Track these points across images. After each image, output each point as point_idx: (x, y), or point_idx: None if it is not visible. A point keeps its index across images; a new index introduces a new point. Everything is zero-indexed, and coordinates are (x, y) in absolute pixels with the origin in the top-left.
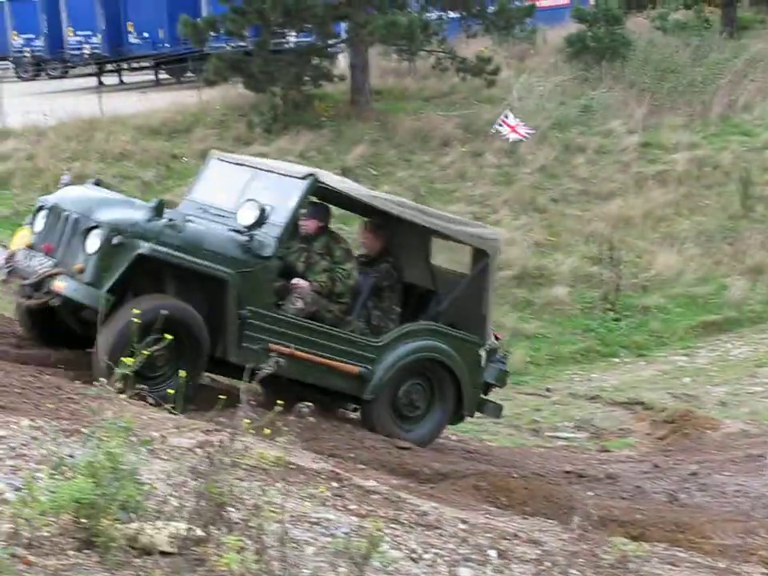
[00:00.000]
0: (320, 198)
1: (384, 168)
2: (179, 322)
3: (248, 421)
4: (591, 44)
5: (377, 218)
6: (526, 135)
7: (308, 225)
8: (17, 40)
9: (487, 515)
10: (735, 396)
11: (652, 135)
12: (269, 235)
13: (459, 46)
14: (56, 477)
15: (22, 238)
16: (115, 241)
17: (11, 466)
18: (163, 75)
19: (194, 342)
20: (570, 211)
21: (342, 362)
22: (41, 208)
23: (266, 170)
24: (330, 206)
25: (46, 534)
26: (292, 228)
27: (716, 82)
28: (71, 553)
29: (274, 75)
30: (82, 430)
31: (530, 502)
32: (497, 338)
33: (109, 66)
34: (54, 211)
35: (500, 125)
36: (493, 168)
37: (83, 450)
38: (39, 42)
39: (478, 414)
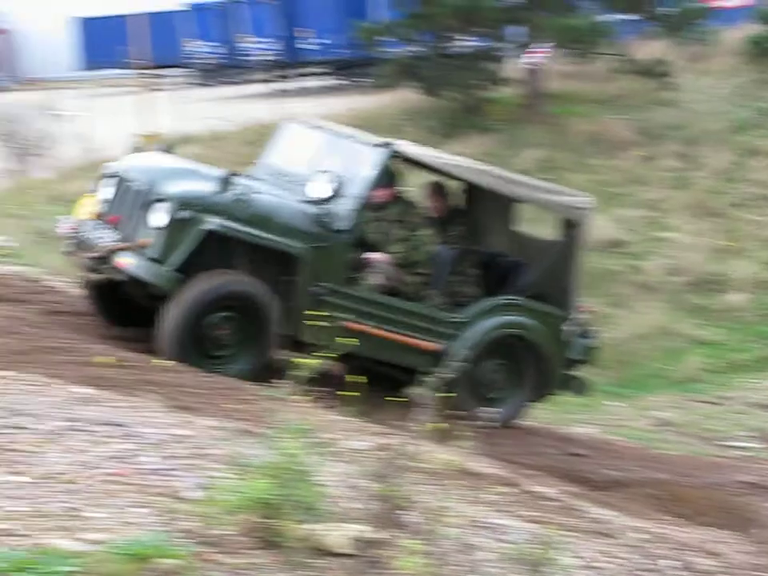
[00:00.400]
0: (398, 167)
1: (557, 172)
2: (247, 299)
3: (423, 425)
4: None
5: (440, 180)
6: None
7: (380, 194)
8: (200, 48)
9: (665, 525)
10: None
11: None
12: (344, 207)
13: (634, 49)
14: (238, 477)
15: (86, 206)
16: (182, 215)
17: (195, 465)
18: (340, 80)
19: (262, 320)
20: (748, 216)
21: (419, 338)
22: (107, 175)
23: (341, 137)
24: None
25: (227, 532)
26: (367, 200)
27: None
28: (252, 552)
29: (448, 79)
30: (262, 430)
31: (708, 512)
32: (582, 312)
33: (286, 72)
34: (121, 180)
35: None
36: (668, 172)
37: (264, 451)
38: (220, 49)
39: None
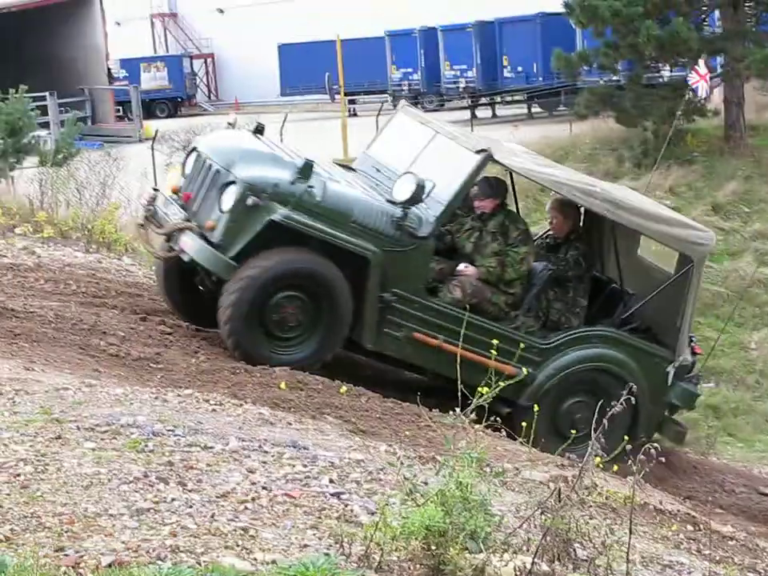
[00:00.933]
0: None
1: (757, 205)
2: (317, 279)
3: (599, 459)
4: None
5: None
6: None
7: (484, 205)
8: (396, 74)
9: None
10: None
11: None
12: (429, 212)
13: None
14: (408, 503)
15: (172, 179)
16: (250, 201)
17: (367, 490)
18: (536, 109)
19: (333, 305)
20: None
21: (501, 361)
22: (193, 149)
23: (445, 136)
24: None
25: (395, 558)
26: (456, 207)
27: None
28: None
29: (646, 109)
30: (437, 458)
31: None
32: (694, 353)
33: (483, 100)
34: (200, 157)
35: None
36: None
37: (436, 478)
38: (417, 76)
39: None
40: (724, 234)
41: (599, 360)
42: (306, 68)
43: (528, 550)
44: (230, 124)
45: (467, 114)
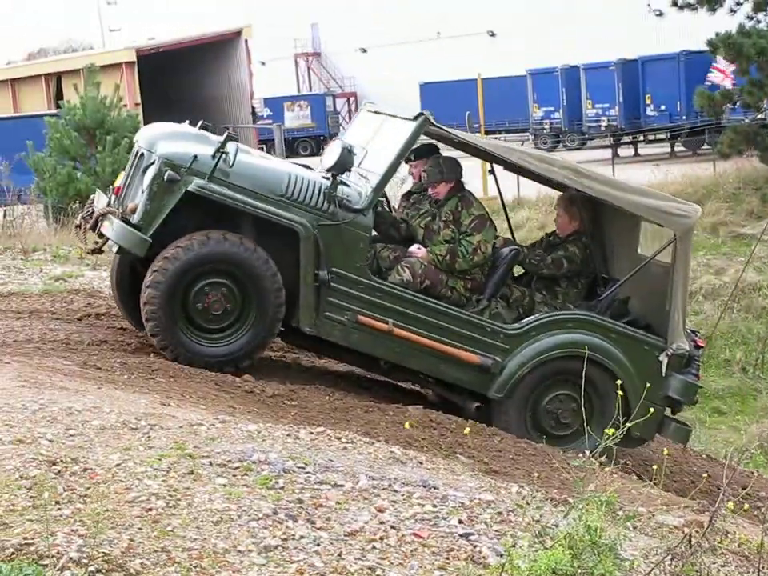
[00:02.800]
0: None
1: None
2: (239, 264)
3: (731, 504)
4: None
5: (571, 192)
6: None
7: (437, 191)
8: (537, 113)
9: None
10: None
11: None
12: (367, 186)
13: None
14: (537, 545)
15: (117, 180)
16: (167, 176)
17: (496, 531)
18: (679, 147)
19: (261, 291)
20: None
21: (459, 348)
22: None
23: (392, 116)
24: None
25: None
26: (392, 176)
27: None
28: None
29: None
30: (569, 500)
31: None
32: (697, 346)
33: (625, 138)
34: (133, 149)
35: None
36: None
37: (566, 520)
38: (558, 114)
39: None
40: None
41: (577, 346)
42: (447, 107)
43: None
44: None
45: (609, 152)
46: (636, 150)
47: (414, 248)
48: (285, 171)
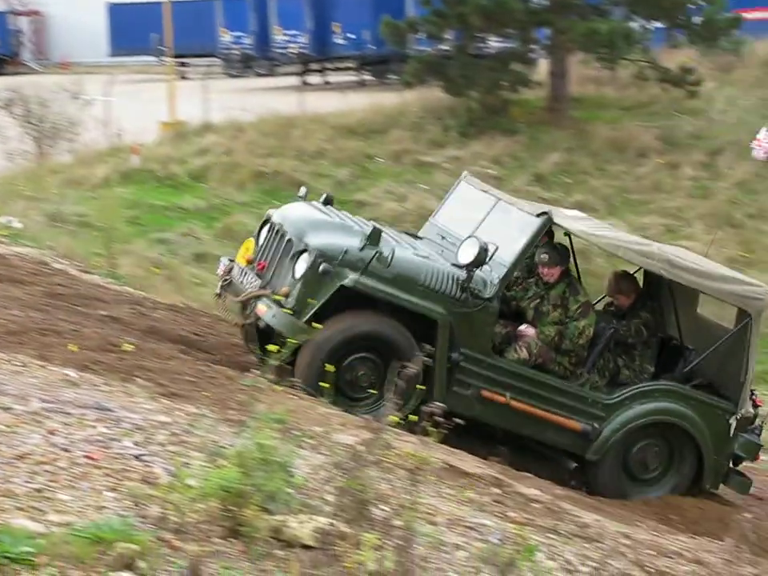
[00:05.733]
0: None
1: (578, 176)
2: (386, 341)
3: (394, 417)
4: None
5: (621, 271)
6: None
7: (551, 273)
8: (226, 37)
9: (653, 532)
10: None
11: None
12: (493, 274)
13: (662, 56)
14: (208, 465)
15: (245, 250)
16: (322, 268)
17: (171, 452)
18: (366, 76)
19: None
20: (766, 228)
21: (564, 416)
22: (266, 221)
23: (506, 201)
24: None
25: (193, 519)
26: (518, 269)
27: None
28: (216, 540)
29: (473, 79)
30: (245, 420)
31: (701, 522)
32: (755, 405)
33: (314, 66)
34: (273, 228)
35: (756, 146)
36: (689, 181)
37: (238, 439)
38: (248, 40)
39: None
40: (546, 203)
41: (662, 413)
42: (135, 29)
43: (327, 512)
44: (300, 197)
45: (299, 80)
46: (325, 78)
47: (523, 327)
48: (423, 263)
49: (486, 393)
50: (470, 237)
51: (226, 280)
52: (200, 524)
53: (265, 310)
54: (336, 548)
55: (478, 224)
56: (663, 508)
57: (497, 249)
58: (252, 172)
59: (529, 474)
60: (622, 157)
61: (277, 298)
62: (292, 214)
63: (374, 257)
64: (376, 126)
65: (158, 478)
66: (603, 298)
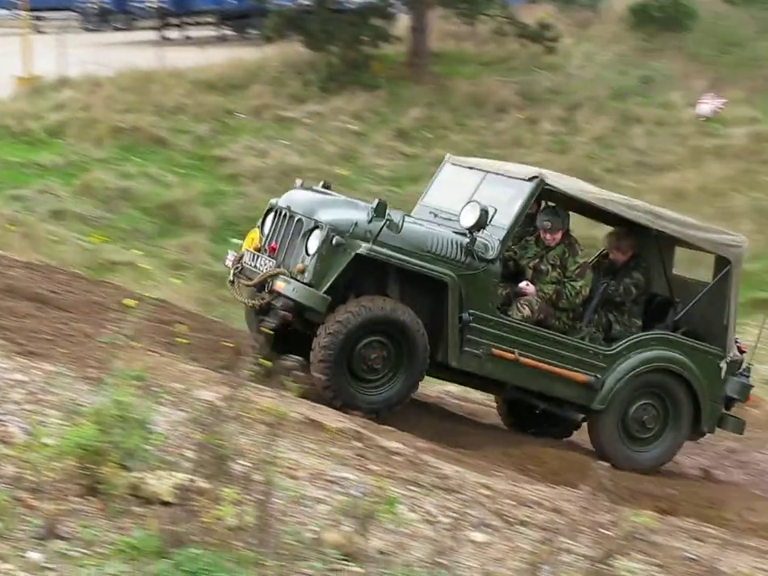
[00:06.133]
0: (549, 199)
1: (438, 131)
2: (395, 325)
3: (251, 372)
4: (655, 14)
5: (622, 228)
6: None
7: (553, 237)
8: None
9: (512, 482)
10: None
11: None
12: (493, 237)
13: (520, 12)
14: (66, 423)
15: (251, 240)
16: (335, 241)
17: (26, 411)
18: (227, 31)
19: (411, 346)
20: (623, 182)
21: (569, 369)
22: (270, 210)
23: (494, 173)
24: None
25: (49, 478)
26: (515, 231)
27: None
28: (73, 498)
29: (333, 34)
30: (100, 377)
31: (561, 472)
32: (741, 351)
33: (173, 20)
34: (280, 212)
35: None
36: (548, 136)
37: (96, 397)
38: None
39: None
40: (407, 158)
41: (660, 360)
42: None
43: (186, 467)
44: (296, 188)
45: (157, 35)
46: (184, 33)
47: (523, 284)
48: (428, 230)
49: (495, 351)
50: (470, 201)
51: (237, 267)
52: (57, 482)
53: (283, 286)
54: (195, 504)
55: (469, 197)
56: (523, 459)
57: (495, 211)
58: (110, 128)
59: (391, 428)
60: (481, 112)
61: (294, 275)
62: (298, 197)
63: (383, 226)
64: (236, 81)
65: (13, 437)
66: (602, 252)
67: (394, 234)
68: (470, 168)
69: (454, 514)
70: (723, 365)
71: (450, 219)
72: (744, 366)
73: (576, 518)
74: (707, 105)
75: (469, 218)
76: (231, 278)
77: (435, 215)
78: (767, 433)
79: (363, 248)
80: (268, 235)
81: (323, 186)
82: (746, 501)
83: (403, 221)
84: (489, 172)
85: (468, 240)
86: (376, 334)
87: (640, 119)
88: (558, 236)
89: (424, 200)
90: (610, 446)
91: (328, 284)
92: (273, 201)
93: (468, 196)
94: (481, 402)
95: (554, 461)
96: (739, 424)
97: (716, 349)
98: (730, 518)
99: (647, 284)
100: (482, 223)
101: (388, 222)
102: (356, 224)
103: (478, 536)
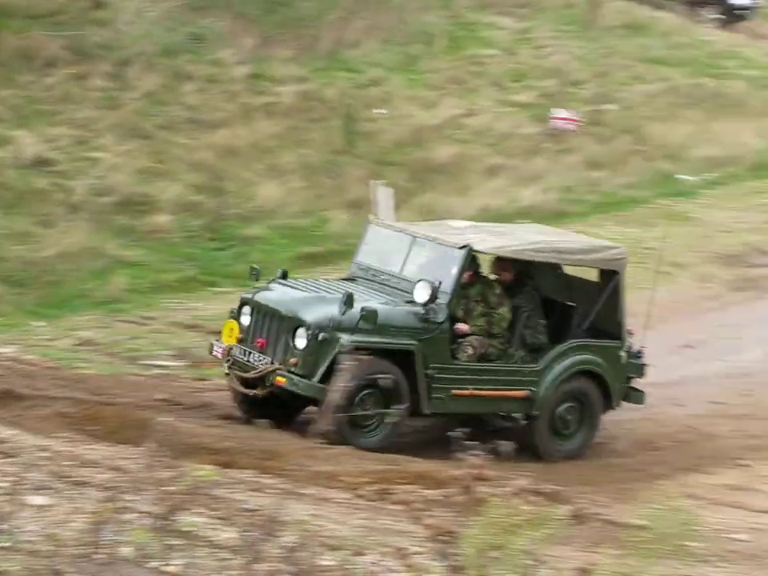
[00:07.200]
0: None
1: None
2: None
3: None
4: None
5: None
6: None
7: (467, 277)
8: None
9: (70, 443)
10: None
11: (261, 67)
12: (439, 302)
13: None
14: None
15: (231, 331)
16: (320, 337)
17: None
18: None
19: (396, 395)
20: (176, 139)
21: (511, 390)
22: (244, 304)
23: (423, 238)
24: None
25: None
26: (456, 294)
27: (325, 17)
28: None
29: None
30: None
31: (120, 430)
32: (629, 333)
33: None
34: (260, 309)
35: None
36: (98, 92)
37: None
38: None
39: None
40: None
41: (578, 364)
42: None
43: None
44: (254, 275)
45: None
46: None
47: (458, 326)
48: (390, 310)
49: (455, 392)
50: (421, 280)
51: (229, 359)
52: None
53: (284, 381)
54: None
55: (403, 260)
56: (81, 420)
57: (440, 283)
58: None
59: None
60: (30, 66)
61: (287, 368)
62: (274, 295)
63: (360, 319)
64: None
65: None
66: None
67: (370, 323)
68: (397, 231)
69: (12, 478)
70: (623, 353)
71: (388, 279)
72: (637, 348)
73: (137, 476)
74: (561, 121)
75: (423, 295)
76: (227, 371)
77: (373, 275)
78: None
79: (348, 340)
80: (250, 330)
81: (283, 275)
82: (305, 450)
83: (370, 309)
84: (416, 237)
85: (423, 311)
86: (370, 388)
87: (191, 76)
88: (467, 274)
89: (357, 259)
90: (544, 443)
91: (320, 374)
92: (246, 295)
93: (402, 258)
94: None
95: (113, 420)
96: (640, 396)
97: (616, 342)
98: (289, 468)
99: (539, 293)
100: (434, 298)
101: (364, 314)
102: (333, 319)
103: (39, 499)
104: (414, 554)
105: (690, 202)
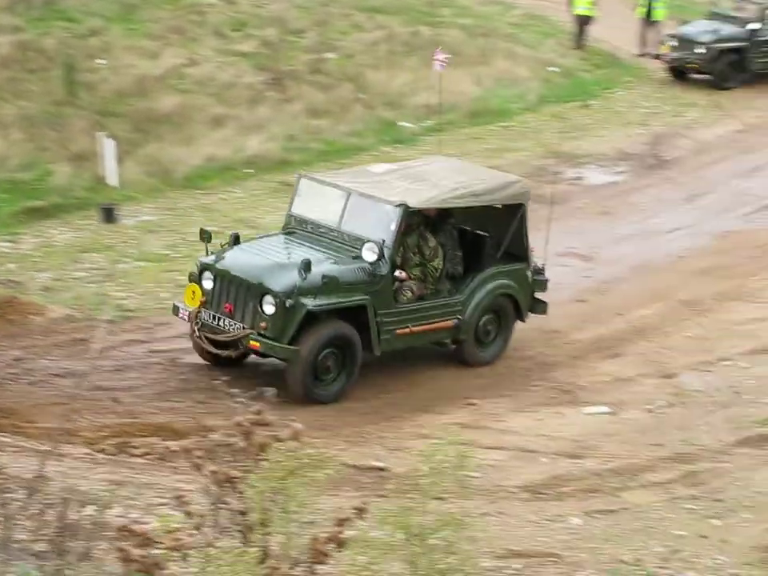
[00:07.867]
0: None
1: None
2: (345, 339)
3: None
4: None
5: None
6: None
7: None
8: None
9: None
10: (60, 281)
11: None
12: (384, 257)
13: None
14: None
15: (193, 294)
16: (288, 304)
17: None
18: None
19: (353, 352)
20: None
21: (443, 321)
22: (205, 269)
23: (359, 194)
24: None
25: None
26: (397, 248)
27: None
28: None
29: None
30: None
31: None
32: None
33: None
34: (224, 276)
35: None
36: None
37: None
38: None
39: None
40: None
41: (495, 289)
42: None
43: None
44: (205, 238)
45: None
46: None
47: (397, 273)
48: (342, 269)
49: (398, 331)
50: (368, 241)
51: (198, 322)
52: None
53: (259, 345)
54: None
55: (340, 214)
56: None
57: (384, 242)
58: None
59: None
60: None
61: (258, 332)
62: (235, 263)
63: (322, 285)
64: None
65: None
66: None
67: (330, 287)
68: (330, 186)
69: None
70: (529, 273)
71: (323, 230)
72: (539, 265)
73: None
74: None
75: (370, 256)
76: (198, 334)
77: (312, 228)
78: (51, 339)
79: (312, 305)
80: (214, 295)
81: (235, 239)
82: (38, 407)
83: (327, 273)
84: (352, 192)
85: (371, 268)
86: (331, 347)
87: None
88: (407, 226)
89: (292, 211)
90: (470, 354)
91: (290, 336)
92: (206, 260)
93: (338, 212)
94: None
95: None
96: (544, 306)
97: (523, 264)
98: (23, 426)
99: (455, 241)
100: (381, 256)
101: (326, 281)
102: (297, 285)
103: None
104: (161, 504)
105: (410, 148)
